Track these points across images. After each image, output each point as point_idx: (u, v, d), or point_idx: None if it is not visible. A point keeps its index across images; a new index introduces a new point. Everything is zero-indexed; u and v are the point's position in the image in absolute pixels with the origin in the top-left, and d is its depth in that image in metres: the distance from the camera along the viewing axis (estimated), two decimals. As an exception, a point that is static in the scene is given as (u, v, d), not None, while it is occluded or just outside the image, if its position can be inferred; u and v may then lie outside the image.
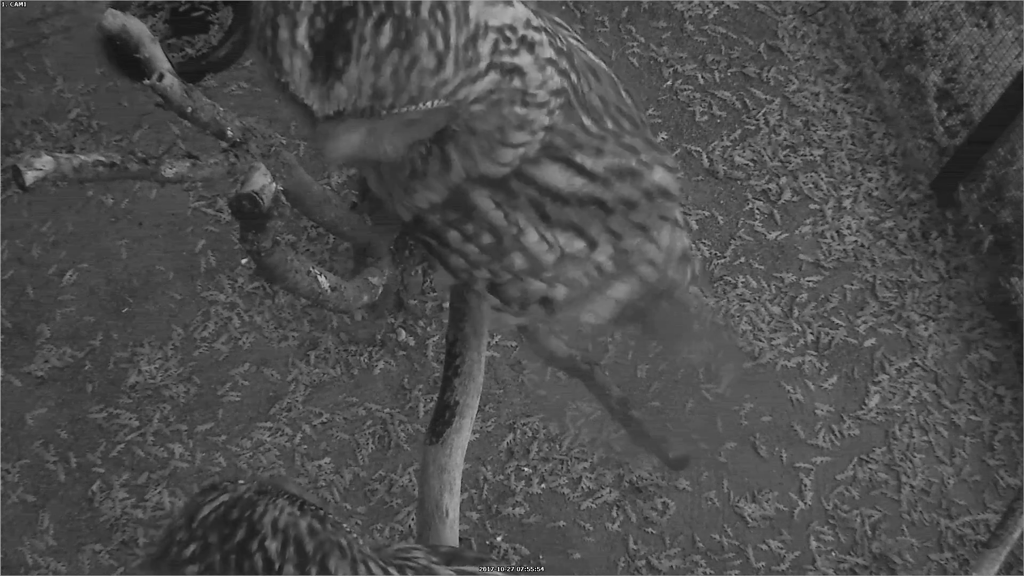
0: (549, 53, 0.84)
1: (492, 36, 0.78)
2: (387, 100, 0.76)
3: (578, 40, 0.99)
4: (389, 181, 0.98)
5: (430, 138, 0.88)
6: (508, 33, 0.79)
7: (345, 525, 0.83)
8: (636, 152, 0.98)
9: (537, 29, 0.83)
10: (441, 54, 0.75)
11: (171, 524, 0.78)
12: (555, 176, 0.92)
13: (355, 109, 0.76)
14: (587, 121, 0.93)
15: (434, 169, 0.91)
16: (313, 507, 0.80)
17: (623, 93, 1.02)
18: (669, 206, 1.04)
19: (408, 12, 0.73)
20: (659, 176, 1.01)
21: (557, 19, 0.96)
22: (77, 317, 2.90)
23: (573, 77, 0.90)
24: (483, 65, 0.78)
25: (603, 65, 1.01)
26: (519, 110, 0.84)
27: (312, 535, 0.78)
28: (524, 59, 0.81)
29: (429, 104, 0.77)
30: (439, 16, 0.74)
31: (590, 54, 0.99)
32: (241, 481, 0.79)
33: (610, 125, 0.96)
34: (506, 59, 0.80)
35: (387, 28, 0.73)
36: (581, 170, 0.94)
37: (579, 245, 0.98)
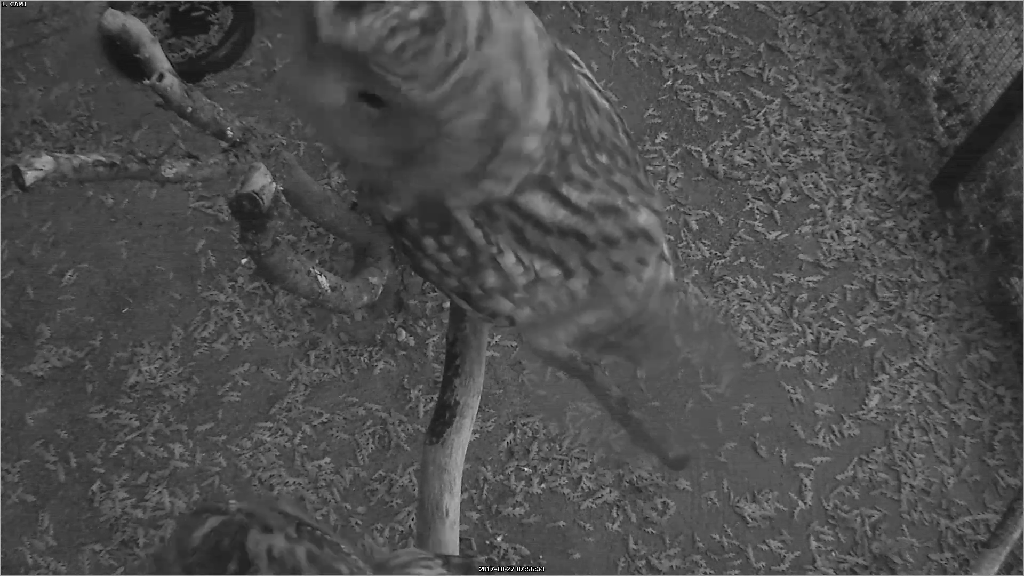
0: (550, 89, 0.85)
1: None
2: (391, 67, 0.78)
3: (586, 75, 1.00)
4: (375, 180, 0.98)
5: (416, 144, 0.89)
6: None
7: (344, 546, 0.80)
8: (624, 192, 0.99)
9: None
10: (451, 32, 0.78)
11: (160, 553, 0.75)
12: (539, 205, 0.92)
13: (355, 51, 0.79)
14: (583, 151, 0.93)
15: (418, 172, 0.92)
16: (310, 528, 0.77)
17: (620, 131, 1.02)
18: (649, 249, 1.04)
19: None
20: (643, 219, 1.01)
21: (570, 52, 0.96)
22: (77, 317, 2.90)
23: (572, 106, 0.90)
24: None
25: (605, 103, 1.01)
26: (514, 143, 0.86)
27: (311, 561, 0.75)
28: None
29: (427, 83, 0.80)
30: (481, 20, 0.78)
31: (595, 91, 0.99)
32: (232, 502, 0.76)
33: (604, 160, 0.96)
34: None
35: (424, 5, 0.77)
36: (566, 202, 0.94)
37: (555, 273, 0.99)
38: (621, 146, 1.01)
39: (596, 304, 1.06)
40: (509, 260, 0.96)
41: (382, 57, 0.78)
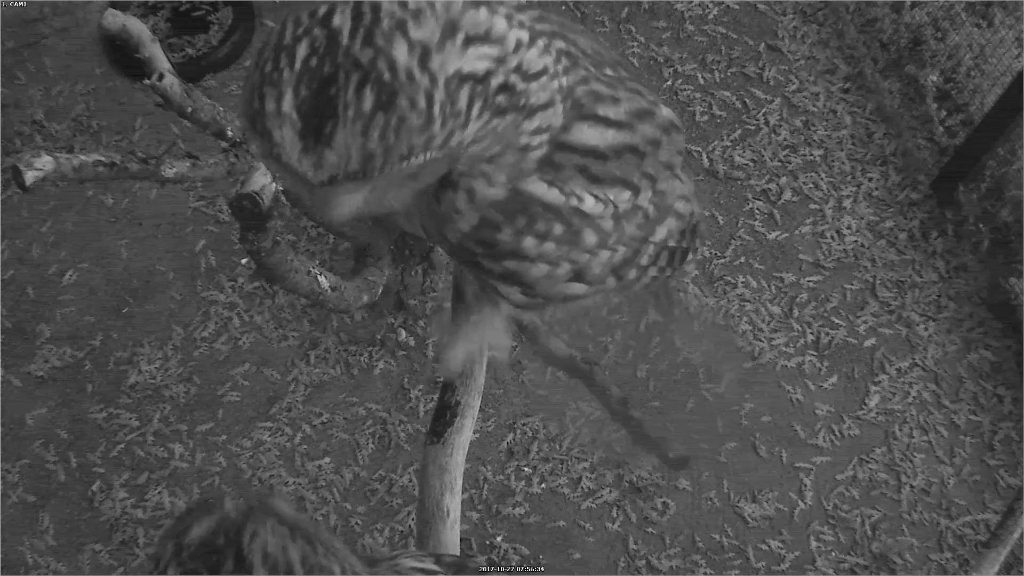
0: (539, 44, 0.84)
1: (468, 84, 0.78)
2: (377, 162, 0.77)
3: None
4: (419, 221, 0.98)
5: (440, 180, 0.89)
6: (490, 69, 0.80)
7: (338, 544, 0.80)
8: (641, 94, 1.00)
9: (520, 26, 0.83)
10: (424, 111, 0.76)
11: (156, 551, 0.75)
12: (589, 135, 0.93)
13: (347, 173, 0.77)
14: (592, 70, 0.94)
15: (460, 202, 0.91)
16: (304, 529, 0.76)
17: (603, 47, 1.03)
18: (680, 139, 1.06)
19: (386, 74, 0.74)
20: (666, 111, 1.03)
21: None
22: (77, 317, 2.90)
23: (562, 43, 0.90)
24: (467, 111, 0.79)
25: (580, 28, 1.02)
26: (526, 124, 0.85)
27: (303, 561, 0.74)
28: (513, 79, 0.82)
29: (422, 158, 0.78)
30: (417, 75, 0.75)
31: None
32: (227, 500, 0.77)
33: (610, 72, 0.97)
34: (493, 99, 0.81)
35: (368, 92, 0.74)
36: (608, 122, 0.95)
37: (626, 196, 1.00)
38: (615, 57, 1.02)
39: (662, 215, 1.06)
40: (590, 203, 0.96)
41: (377, 162, 0.77)
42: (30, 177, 1.15)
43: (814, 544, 2.68)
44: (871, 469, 2.77)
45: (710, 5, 3.43)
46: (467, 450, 1.41)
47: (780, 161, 3.18)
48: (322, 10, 0.76)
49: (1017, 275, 2.94)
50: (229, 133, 1.47)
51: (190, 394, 2.81)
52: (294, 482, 2.70)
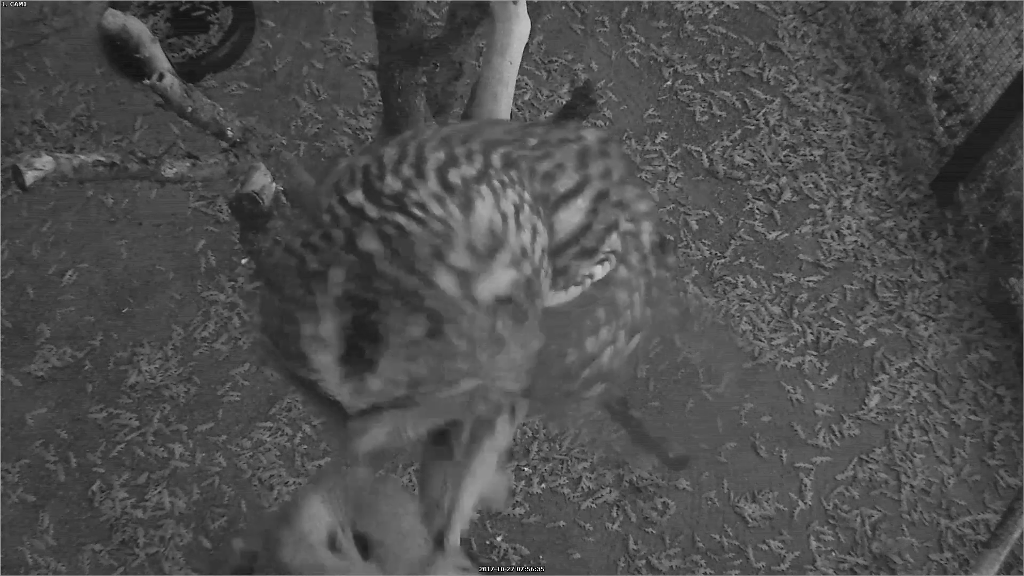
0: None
1: (503, 305, 0.78)
2: (425, 388, 0.75)
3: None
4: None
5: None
6: (515, 280, 0.79)
7: None
8: (567, 138, 0.97)
9: (499, 187, 0.82)
10: (471, 337, 0.74)
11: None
12: (568, 219, 0.90)
13: (393, 400, 0.75)
14: (526, 152, 0.92)
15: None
16: None
17: (510, 123, 1.03)
18: (616, 147, 1.02)
19: (433, 302, 0.73)
20: (591, 135, 0.99)
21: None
22: (77, 317, 2.90)
23: (491, 156, 0.89)
24: (504, 332, 0.78)
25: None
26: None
27: None
28: (530, 274, 0.82)
29: (465, 386, 0.77)
30: (462, 302, 0.74)
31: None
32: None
33: (533, 141, 0.95)
34: (522, 308, 0.81)
35: (416, 319, 0.72)
36: (573, 193, 0.92)
37: (614, 238, 0.99)
38: (521, 124, 1.01)
39: (638, 224, 1.04)
40: (599, 271, 0.93)
41: (424, 388, 0.75)
42: (30, 177, 1.15)
43: (814, 544, 2.68)
44: (871, 469, 2.77)
45: (710, 5, 3.43)
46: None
47: (780, 161, 3.18)
48: (337, 235, 0.75)
49: (1017, 275, 2.94)
50: (229, 133, 1.47)
51: (190, 394, 2.81)
52: (294, 482, 2.70)
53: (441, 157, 0.80)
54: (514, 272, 0.78)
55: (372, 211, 0.75)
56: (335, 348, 0.73)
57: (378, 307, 0.72)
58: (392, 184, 0.77)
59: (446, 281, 0.73)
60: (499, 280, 0.76)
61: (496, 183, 0.81)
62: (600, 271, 0.93)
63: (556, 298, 0.89)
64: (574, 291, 0.90)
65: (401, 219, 0.74)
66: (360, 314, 0.72)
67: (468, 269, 0.74)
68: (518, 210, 0.81)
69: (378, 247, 0.73)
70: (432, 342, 0.73)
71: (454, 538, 1.16)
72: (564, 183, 0.89)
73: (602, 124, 3.20)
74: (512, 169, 0.84)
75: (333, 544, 0.95)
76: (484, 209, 0.78)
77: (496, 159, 0.84)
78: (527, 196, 0.83)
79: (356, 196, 0.77)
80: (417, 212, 0.75)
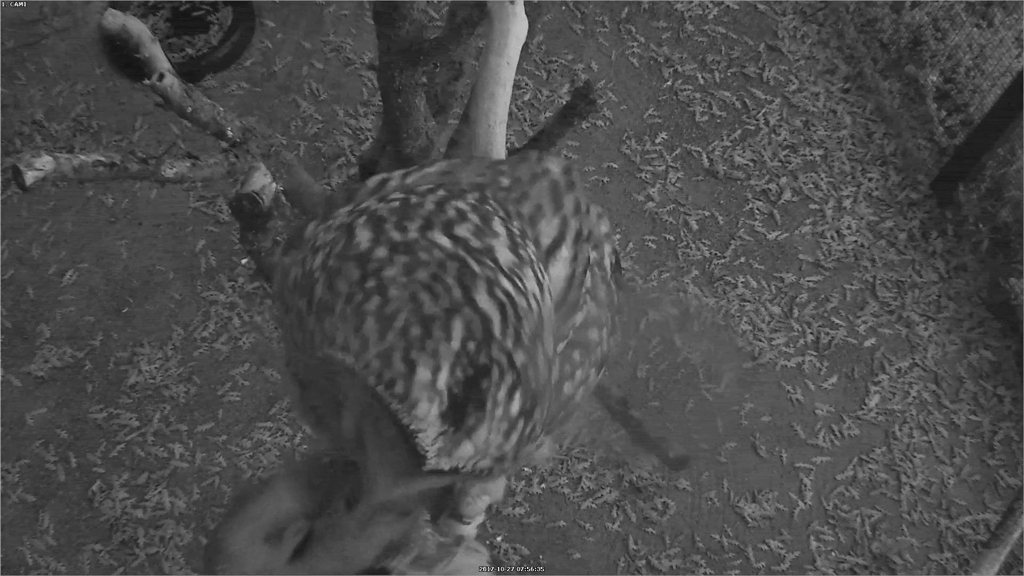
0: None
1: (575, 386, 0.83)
2: (505, 465, 0.75)
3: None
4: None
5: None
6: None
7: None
8: (535, 174, 0.95)
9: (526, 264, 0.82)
10: (543, 422, 0.76)
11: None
12: (558, 272, 0.89)
13: (475, 469, 0.74)
14: (502, 195, 0.92)
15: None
16: None
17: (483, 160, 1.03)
18: (574, 171, 1.00)
19: (534, 383, 0.73)
20: (553, 164, 0.97)
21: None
22: (77, 317, 2.90)
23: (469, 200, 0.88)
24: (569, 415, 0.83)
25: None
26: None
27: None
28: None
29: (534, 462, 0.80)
30: (552, 385, 0.75)
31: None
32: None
33: (506, 182, 0.94)
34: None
35: (518, 395, 0.72)
36: (556, 244, 0.91)
37: (588, 278, 0.98)
38: (489, 159, 1.01)
39: (600, 244, 1.03)
40: (579, 316, 0.93)
41: (505, 465, 0.75)
42: (30, 177, 1.15)
43: (814, 544, 2.68)
44: (871, 469, 2.77)
45: (710, 5, 3.43)
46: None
47: (780, 161, 3.18)
48: (444, 273, 0.72)
49: (1017, 275, 2.94)
50: (229, 133, 1.47)
51: (190, 394, 2.81)
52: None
53: (470, 206, 0.79)
54: (578, 355, 0.83)
55: (474, 265, 0.73)
56: (443, 403, 0.71)
57: (490, 375, 0.71)
58: (485, 236, 0.76)
59: (543, 363, 0.74)
60: (570, 370, 0.81)
61: (536, 262, 0.81)
62: (580, 318, 0.92)
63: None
64: (560, 347, 0.89)
65: (509, 287, 0.73)
66: (473, 378, 0.71)
67: (551, 354, 0.75)
68: (541, 285, 0.81)
69: (496, 313, 0.72)
70: (524, 421, 0.73)
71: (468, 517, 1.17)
72: (547, 231, 0.88)
73: (602, 124, 3.21)
74: (515, 219, 0.85)
75: (273, 535, 0.93)
76: (547, 294, 0.79)
77: (496, 206, 0.84)
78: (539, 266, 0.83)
79: (442, 240, 0.74)
80: (519, 284, 0.74)
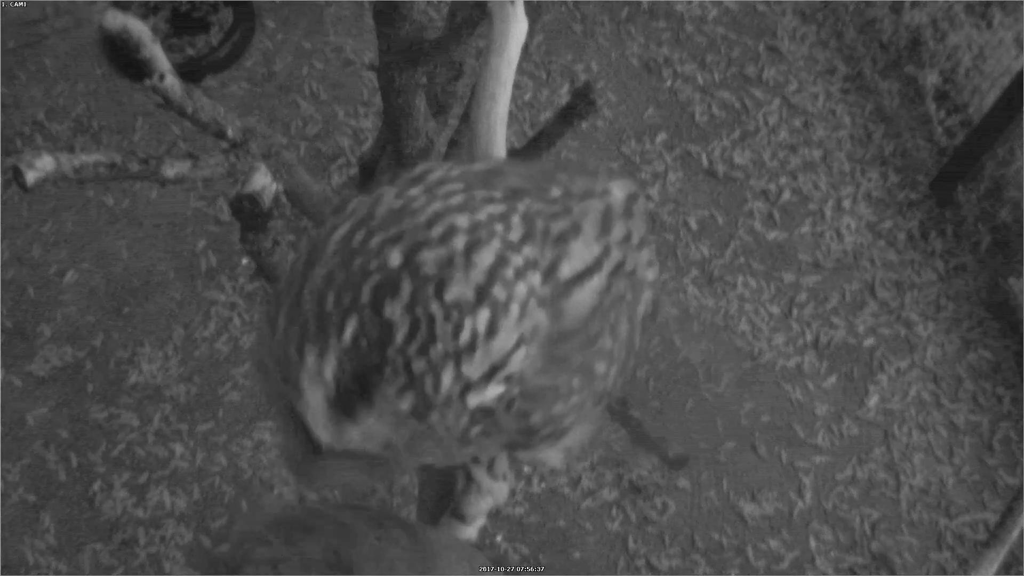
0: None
1: (483, 415, 0.83)
2: (394, 453, 0.81)
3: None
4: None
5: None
6: (500, 395, 0.83)
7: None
8: (593, 192, 0.95)
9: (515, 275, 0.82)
10: (449, 432, 0.81)
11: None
12: (582, 301, 0.89)
13: (363, 453, 0.81)
14: (543, 206, 0.90)
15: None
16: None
17: (537, 166, 1.04)
18: (642, 204, 1.01)
19: (430, 392, 0.77)
20: (618, 192, 0.97)
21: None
22: (77, 317, 2.90)
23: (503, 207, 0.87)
24: (478, 437, 0.84)
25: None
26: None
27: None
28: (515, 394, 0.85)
29: (430, 460, 0.85)
30: (455, 403, 0.79)
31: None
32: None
33: (556, 192, 0.94)
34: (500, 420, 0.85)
35: (409, 397, 0.77)
36: (589, 272, 0.90)
37: (613, 316, 0.98)
38: (550, 165, 1.01)
39: (638, 293, 1.02)
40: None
41: (394, 452, 0.81)
42: (31, 177, 1.15)
43: (813, 543, 2.68)
44: (870, 469, 2.77)
45: (710, 6, 3.43)
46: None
47: (779, 161, 3.18)
48: (364, 281, 0.77)
49: (1017, 275, 2.94)
50: (229, 133, 1.47)
51: (190, 394, 2.81)
52: (295, 481, 2.70)
53: (470, 225, 0.81)
54: (503, 388, 0.82)
55: (406, 284, 0.77)
56: (330, 391, 0.77)
57: (382, 373, 0.76)
58: (429, 256, 0.79)
59: (448, 381, 0.77)
60: (488, 395, 0.81)
61: (514, 280, 0.82)
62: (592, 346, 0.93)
63: (539, 379, 0.89)
64: (560, 379, 0.91)
65: (435, 310, 0.77)
66: (363, 372, 0.76)
67: (471, 381, 0.79)
68: (523, 310, 0.82)
69: (403, 324, 0.76)
70: (414, 422, 0.78)
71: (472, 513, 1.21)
72: (580, 254, 0.88)
73: (602, 124, 3.21)
74: (528, 242, 0.84)
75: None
76: (505, 333, 0.80)
77: (516, 222, 0.84)
78: (537, 284, 0.83)
79: (394, 257, 0.78)
80: (451, 313, 0.78)
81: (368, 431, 0.78)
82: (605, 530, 2.69)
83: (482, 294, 0.79)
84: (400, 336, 0.76)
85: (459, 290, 0.78)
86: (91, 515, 2.67)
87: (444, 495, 1.22)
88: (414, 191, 0.84)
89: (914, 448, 2.80)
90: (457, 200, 0.83)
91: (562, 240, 0.87)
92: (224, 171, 1.46)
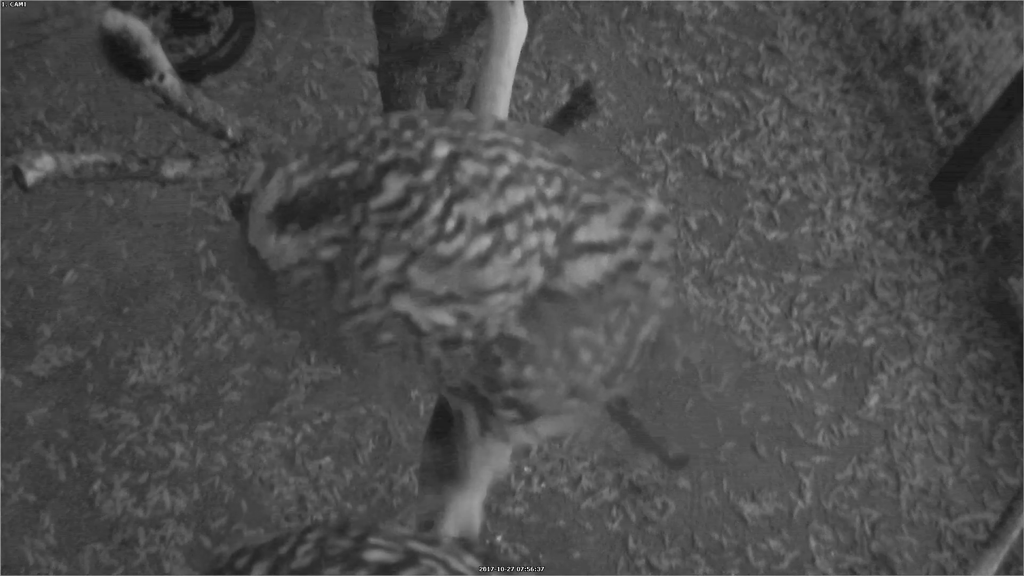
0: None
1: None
2: (310, 299, 0.85)
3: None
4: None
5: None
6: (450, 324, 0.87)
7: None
8: (629, 191, 0.97)
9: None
10: (355, 309, 0.83)
11: None
12: (585, 270, 0.90)
13: (300, 267, 0.85)
14: (582, 178, 0.93)
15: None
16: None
17: (590, 152, 1.05)
18: (670, 230, 1.03)
19: (359, 260, 0.80)
20: (653, 206, 0.99)
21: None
22: (77, 317, 2.90)
23: (541, 160, 0.90)
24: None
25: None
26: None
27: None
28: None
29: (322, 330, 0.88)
30: (373, 288, 0.82)
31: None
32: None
33: (598, 175, 0.96)
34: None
35: (334, 249, 0.81)
36: (602, 247, 0.91)
37: (614, 315, 1.00)
38: (601, 158, 1.02)
39: (646, 314, 1.05)
40: (579, 331, 0.96)
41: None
42: (31, 177, 1.15)
43: (813, 543, 2.68)
44: (870, 469, 2.77)
45: (710, 5, 3.43)
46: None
47: (779, 161, 3.18)
48: (396, 148, 0.81)
49: (1017, 275, 2.94)
50: (229, 133, 1.47)
51: (190, 394, 2.81)
52: (295, 482, 2.70)
53: (519, 164, 0.85)
54: (451, 321, 0.85)
55: (429, 173, 0.80)
56: (285, 198, 0.81)
57: (333, 216, 0.80)
58: (471, 167, 0.82)
59: (385, 267, 0.80)
60: (431, 315, 0.84)
61: (532, 229, 0.85)
62: (580, 331, 0.95)
63: (517, 330, 0.90)
64: (537, 336, 0.92)
65: (435, 209, 0.79)
66: (322, 203, 0.80)
67: (415, 287, 0.81)
68: (524, 259, 0.84)
69: (390, 195, 0.79)
70: (323, 273, 0.82)
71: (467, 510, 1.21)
72: (599, 230, 0.89)
73: (602, 124, 3.21)
74: (559, 204, 0.87)
75: None
76: (493, 270, 0.82)
77: (557, 182, 0.87)
78: (550, 242, 0.86)
79: (440, 149, 0.81)
80: (447, 221, 0.80)
81: (281, 249, 0.81)
82: (605, 530, 2.69)
83: (493, 224, 0.81)
84: (378, 202, 0.79)
85: (475, 208, 0.80)
86: (91, 515, 2.67)
87: (446, 463, 1.23)
88: (485, 124, 0.88)
89: (914, 448, 2.80)
90: (518, 141, 0.86)
91: (588, 210, 0.89)
92: (224, 171, 1.46)
